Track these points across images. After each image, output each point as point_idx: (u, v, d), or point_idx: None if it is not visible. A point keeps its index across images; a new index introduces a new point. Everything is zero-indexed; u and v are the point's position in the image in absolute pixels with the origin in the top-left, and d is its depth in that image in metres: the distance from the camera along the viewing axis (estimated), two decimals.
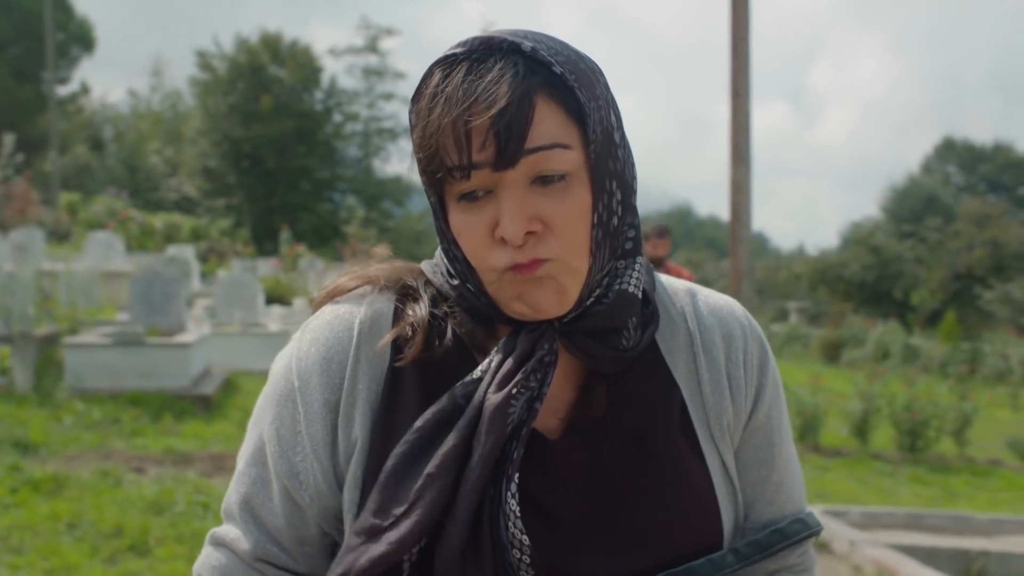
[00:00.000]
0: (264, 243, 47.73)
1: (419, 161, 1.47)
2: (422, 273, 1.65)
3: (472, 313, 1.56)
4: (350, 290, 1.63)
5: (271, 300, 24.02)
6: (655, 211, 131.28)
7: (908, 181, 76.58)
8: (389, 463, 1.45)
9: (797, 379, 19.89)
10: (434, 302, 1.59)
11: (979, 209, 38.60)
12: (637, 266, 1.57)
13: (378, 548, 1.42)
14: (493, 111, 1.38)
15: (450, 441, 1.44)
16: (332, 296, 1.64)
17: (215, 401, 14.99)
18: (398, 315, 1.57)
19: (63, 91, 60.23)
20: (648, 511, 1.51)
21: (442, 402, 1.49)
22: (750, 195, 16.31)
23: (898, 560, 8.50)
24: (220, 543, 1.63)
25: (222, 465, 11.64)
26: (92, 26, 63.24)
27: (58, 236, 33.10)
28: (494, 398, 1.45)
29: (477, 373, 1.51)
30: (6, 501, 9.65)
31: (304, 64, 57.03)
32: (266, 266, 32.36)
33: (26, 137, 51.89)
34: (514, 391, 1.46)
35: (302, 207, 57.31)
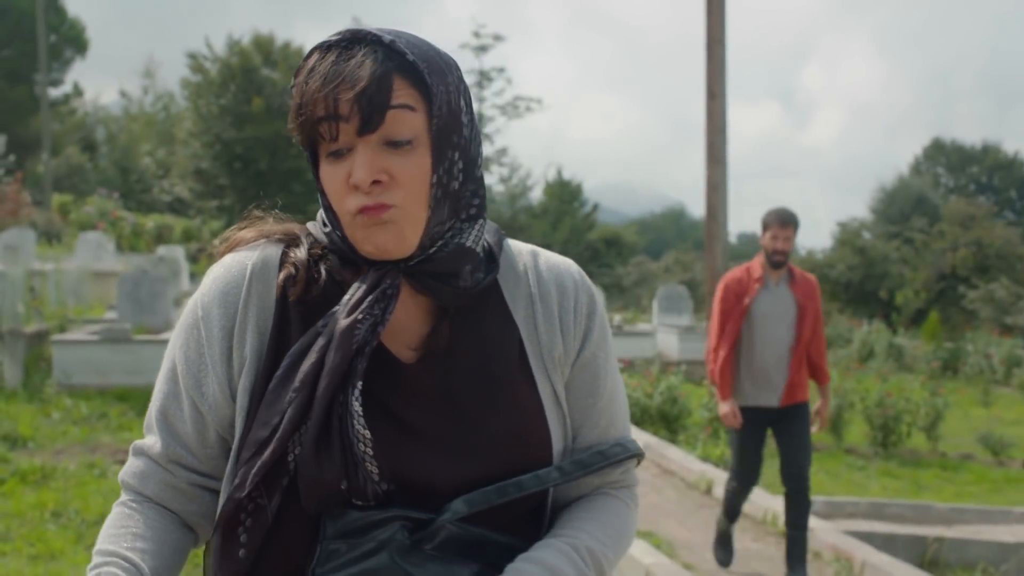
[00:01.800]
0: None
1: (298, 125, 1.78)
2: (307, 229, 1.96)
3: (340, 256, 1.88)
4: (248, 241, 1.96)
5: None
6: (648, 212, 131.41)
7: (897, 182, 76.79)
8: (270, 385, 1.78)
9: None
10: (312, 248, 1.91)
11: (963, 210, 38.88)
12: (478, 226, 1.89)
13: (263, 457, 1.73)
14: (356, 88, 1.70)
15: (309, 359, 1.77)
16: (232, 247, 1.97)
17: None
18: (284, 259, 1.90)
19: (56, 93, 60.40)
20: (485, 428, 1.81)
21: (309, 332, 1.82)
22: (726, 195, 16.65)
23: (855, 546, 8.80)
24: (139, 452, 1.94)
25: None
26: (84, 28, 63.42)
27: (50, 237, 33.29)
28: (344, 322, 1.77)
29: (339, 306, 1.83)
30: None
31: (296, 66, 57.14)
32: None
33: (18, 139, 52.09)
34: (359, 316, 1.77)
35: (294, 209, 55.59)
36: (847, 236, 41.02)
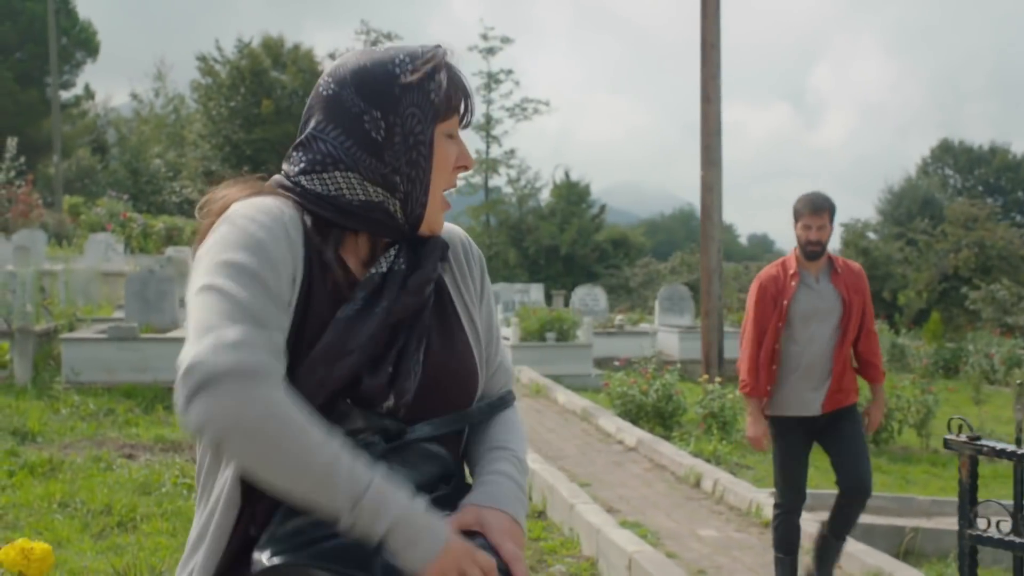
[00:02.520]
0: None
1: (441, 102, 2.12)
2: (293, 191, 2.17)
3: (372, 223, 2.14)
4: (253, 195, 2.15)
5: None
6: (658, 213, 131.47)
7: (905, 183, 76.97)
8: (344, 312, 2.03)
9: None
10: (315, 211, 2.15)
11: (966, 211, 39.10)
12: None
13: (344, 365, 2.00)
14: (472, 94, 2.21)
15: (386, 299, 2.07)
16: (228, 204, 2.12)
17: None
18: (300, 215, 2.12)
19: (67, 95, 60.79)
20: (445, 365, 2.19)
21: (373, 279, 2.09)
22: (721, 196, 16.98)
23: None
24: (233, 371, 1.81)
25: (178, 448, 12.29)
26: (95, 31, 63.86)
27: (60, 238, 33.68)
28: (416, 277, 2.13)
29: (383, 266, 2.11)
30: (3, 483, 10.29)
31: (305, 68, 57.51)
32: None
33: (30, 141, 52.49)
34: (418, 273, 2.14)
35: None
36: (851, 237, 41.27)
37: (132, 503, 9.67)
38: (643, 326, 28.51)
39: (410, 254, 2.14)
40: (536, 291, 29.86)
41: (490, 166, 60.94)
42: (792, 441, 7.03)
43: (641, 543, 8.78)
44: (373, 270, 2.09)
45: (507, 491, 2.12)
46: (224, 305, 1.87)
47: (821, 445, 7.10)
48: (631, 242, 60.96)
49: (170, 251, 29.52)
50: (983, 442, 3.97)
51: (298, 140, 2.16)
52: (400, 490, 1.87)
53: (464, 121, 2.17)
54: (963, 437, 4.04)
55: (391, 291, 2.06)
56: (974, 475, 3.97)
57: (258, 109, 55.15)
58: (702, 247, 17.91)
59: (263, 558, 1.87)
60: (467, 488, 2.14)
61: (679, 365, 17.82)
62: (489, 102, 60.56)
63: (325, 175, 2.08)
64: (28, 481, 10.38)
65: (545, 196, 62.43)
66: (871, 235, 54.53)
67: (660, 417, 15.44)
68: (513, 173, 61.82)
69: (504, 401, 2.32)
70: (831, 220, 6.90)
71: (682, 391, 16.18)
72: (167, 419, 13.93)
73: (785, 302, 6.87)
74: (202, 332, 1.83)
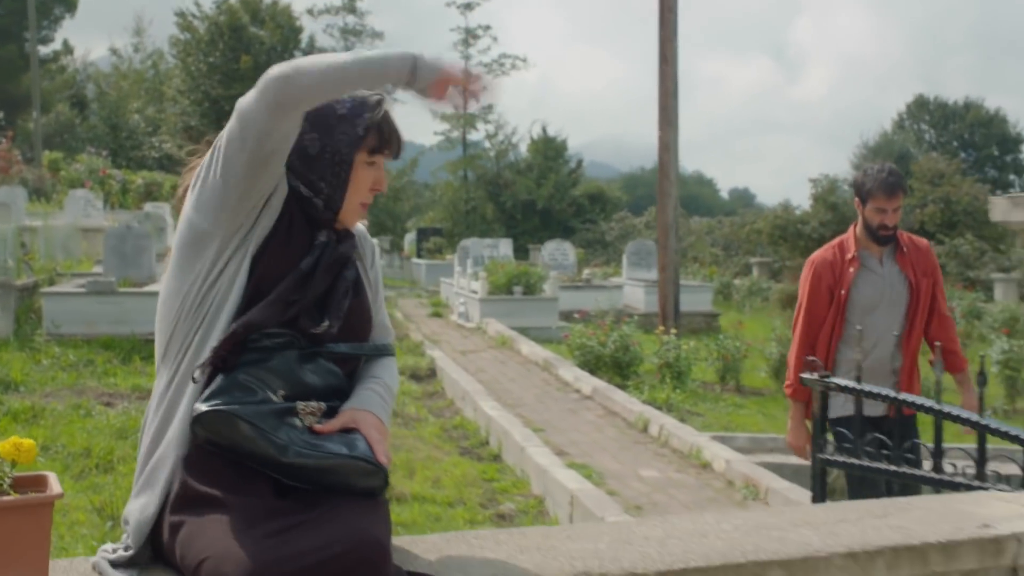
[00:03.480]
0: None
1: (370, 140, 2.84)
2: None
3: (310, 213, 2.88)
4: None
5: None
6: (639, 167, 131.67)
7: (881, 138, 77.67)
8: (305, 264, 2.78)
9: (752, 331, 21.12)
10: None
11: (933, 167, 39.73)
12: None
13: (302, 297, 2.76)
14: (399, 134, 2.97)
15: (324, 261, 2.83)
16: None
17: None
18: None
19: (45, 50, 61.03)
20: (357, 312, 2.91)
21: (315, 251, 2.82)
22: (677, 155, 17.64)
23: (763, 475, 9.80)
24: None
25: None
26: None
27: (40, 194, 34.10)
28: (343, 249, 2.90)
29: (322, 238, 2.85)
30: None
31: (283, 24, 57.73)
32: None
33: (9, 96, 52.82)
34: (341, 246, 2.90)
35: None
36: (821, 192, 41.84)
37: (110, 447, 10.30)
38: (611, 280, 29.17)
39: (337, 236, 2.92)
40: (505, 246, 30.43)
41: (468, 121, 61.23)
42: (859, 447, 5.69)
43: (583, 482, 9.47)
44: (323, 238, 2.85)
45: (374, 400, 2.80)
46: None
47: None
48: (608, 197, 61.43)
49: (148, 207, 30.07)
50: (832, 380, 4.63)
51: None
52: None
53: (391, 153, 2.90)
54: (815, 375, 4.69)
55: (328, 255, 2.83)
56: (824, 408, 4.64)
57: (237, 65, 55.38)
58: (659, 204, 18.56)
59: (201, 407, 2.54)
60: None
61: (635, 318, 18.44)
62: (467, 58, 60.76)
63: None
64: (11, 427, 10.99)
65: (523, 151, 62.89)
66: (846, 188, 55.16)
67: (618, 367, 16.10)
68: (491, 128, 62.18)
69: (386, 348, 3.01)
70: (903, 199, 6.06)
71: (639, 342, 16.83)
72: (144, 369, 14.56)
73: (843, 292, 6.00)
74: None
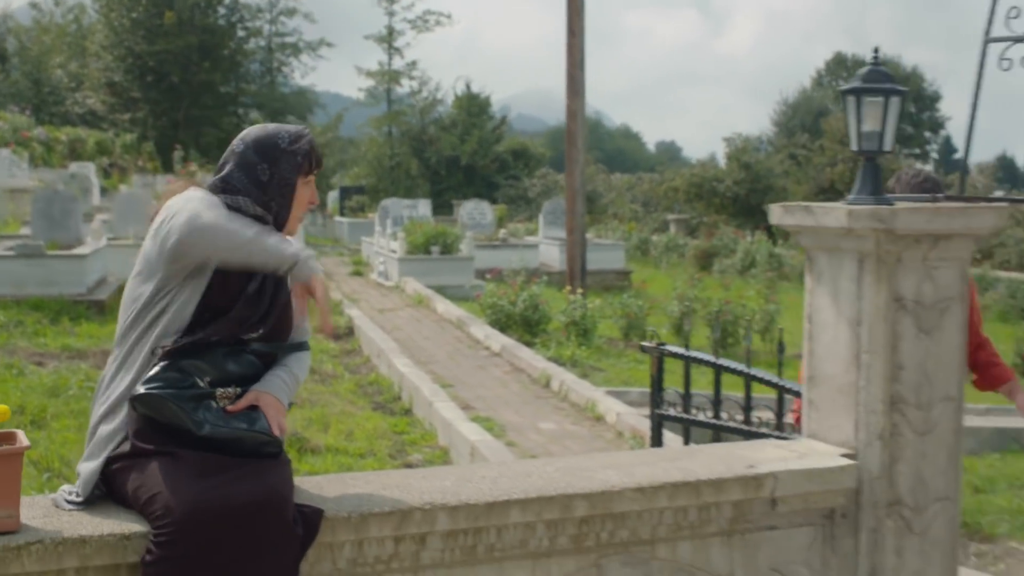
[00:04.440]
0: (168, 156, 48.90)
1: (307, 165, 3.58)
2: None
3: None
4: (183, 189, 3.62)
5: None
6: (564, 122, 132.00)
7: (800, 95, 78.89)
8: (250, 288, 3.47)
9: (664, 287, 22.03)
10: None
11: (842, 128, 40.87)
12: None
13: (248, 317, 3.46)
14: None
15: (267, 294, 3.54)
16: (175, 191, 3.61)
17: (109, 305, 16.88)
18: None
19: None
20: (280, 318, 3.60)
21: (258, 275, 3.47)
22: (584, 123, 18.50)
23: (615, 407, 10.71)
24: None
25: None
26: None
27: None
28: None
29: None
30: None
31: None
32: (164, 183, 33.78)
33: None
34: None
35: (207, 121, 58.37)
36: (734, 152, 42.91)
37: (43, 404, 10.99)
38: (528, 239, 30.04)
39: None
40: (424, 206, 31.20)
41: (392, 78, 61.61)
42: None
43: (484, 434, 10.32)
44: None
45: (276, 383, 3.54)
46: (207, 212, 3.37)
47: None
48: (531, 153, 62.11)
49: (73, 167, 30.46)
50: (665, 347, 5.50)
51: (221, 175, 3.57)
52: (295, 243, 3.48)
53: (318, 172, 3.64)
54: (654, 343, 5.56)
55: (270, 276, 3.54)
56: (660, 371, 5.52)
57: (160, 20, 55.37)
58: (567, 170, 19.43)
59: (140, 389, 3.30)
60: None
61: (545, 279, 19.31)
62: (391, 14, 61.13)
63: (233, 196, 3.53)
64: None
65: (448, 107, 63.43)
66: (768, 148, 56.39)
67: (527, 325, 16.96)
68: (415, 85, 62.65)
69: (301, 346, 3.71)
70: None
71: (549, 301, 17.71)
72: (72, 330, 15.22)
73: None
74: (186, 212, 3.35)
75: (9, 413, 3.14)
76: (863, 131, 4.14)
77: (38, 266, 16.77)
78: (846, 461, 4.04)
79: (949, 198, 4.25)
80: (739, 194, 40.60)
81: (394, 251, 24.64)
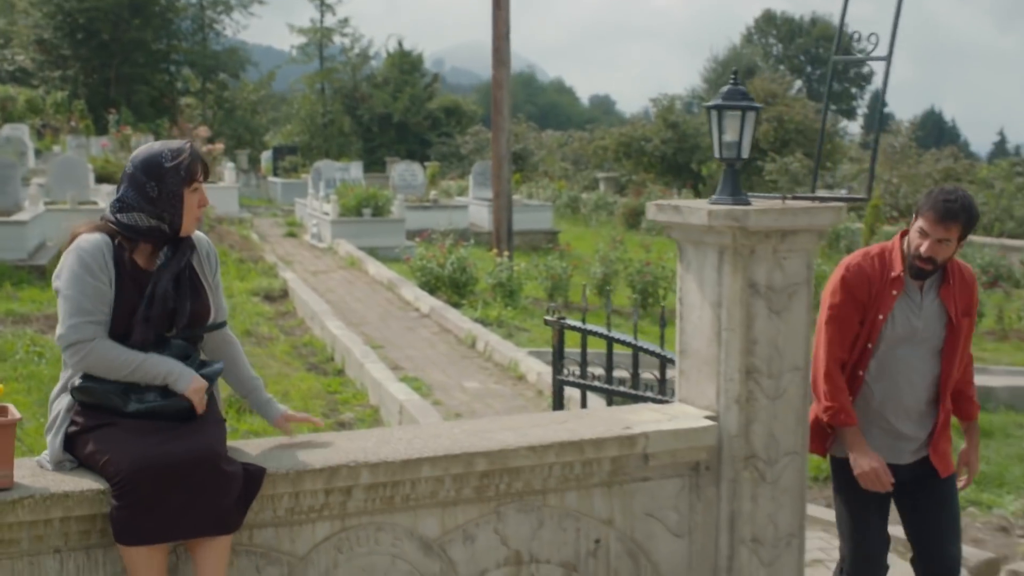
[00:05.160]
0: (100, 114, 48.79)
1: (189, 174, 4.10)
2: (111, 224, 4.14)
3: (153, 237, 4.12)
4: (88, 231, 4.12)
5: (101, 179, 25.90)
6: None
7: (730, 52, 79.87)
8: (152, 299, 4.05)
9: (591, 246, 22.71)
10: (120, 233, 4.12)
11: (766, 87, 41.81)
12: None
13: (155, 317, 4.05)
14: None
15: (164, 281, 4.08)
16: (79, 234, 4.11)
17: (50, 271, 17.37)
18: (110, 239, 4.08)
19: None
20: (195, 305, 4.19)
21: (160, 271, 4.08)
22: (509, 92, 19.14)
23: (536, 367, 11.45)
24: (76, 343, 3.92)
25: (54, 324, 14.14)
26: None
27: None
28: (174, 263, 4.14)
29: (162, 259, 4.11)
30: None
31: None
32: (98, 145, 33.98)
33: None
34: (180, 259, 4.14)
35: (138, 79, 58.15)
36: (661, 111, 43.68)
37: None
38: (458, 199, 30.67)
39: (173, 249, 4.18)
40: (356, 169, 31.72)
41: (324, 35, 61.70)
42: (865, 497, 5.06)
43: (412, 393, 11.01)
44: (159, 262, 4.14)
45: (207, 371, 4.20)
46: (70, 304, 3.93)
47: (898, 508, 5.25)
48: (463, 110, 62.55)
49: (7, 129, 30.59)
50: (565, 321, 6.22)
51: (117, 195, 4.15)
52: (170, 362, 3.99)
53: (204, 178, 4.18)
54: (555, 317, 6.28)
55: (167, 274, 4.10)
56: (561, 342, 6.24)
57: None
58: (493, 137, 20.09)
59: (76, 382, 3.95)
60: (200, 363, 4.21)
61: (472, 241, 20.01)
62: None
63: (128, 213, 4.11)
64: None
65: (380, 64, 63.67)
66: (698, 107, 57.14)
67: (455, 287, 17.64)
68: (347, 41, 62.79)
69: (223, 324, 4.33)
70: (965, 234, 4.90)
71: (476, 263, 18.40)
72: (15, 295, 15.72)
73: (881, 317, 4.97)
74: (63, 318, 3.94)
75: (2, 388, 3.79)
76: (724, 141, 4.83)
77: None
78: (709, 422, 4.77)
79: (796, 198, 4.94)
80: (667, 153, 41.43)
81: (327, 213, 25.19)
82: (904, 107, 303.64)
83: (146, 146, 4.23)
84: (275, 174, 42.65)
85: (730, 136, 4.83)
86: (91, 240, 4.03)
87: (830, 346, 4.94)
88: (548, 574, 4.55)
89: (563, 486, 4.55)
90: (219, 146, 35.02)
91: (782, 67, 78.67)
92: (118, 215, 4.11)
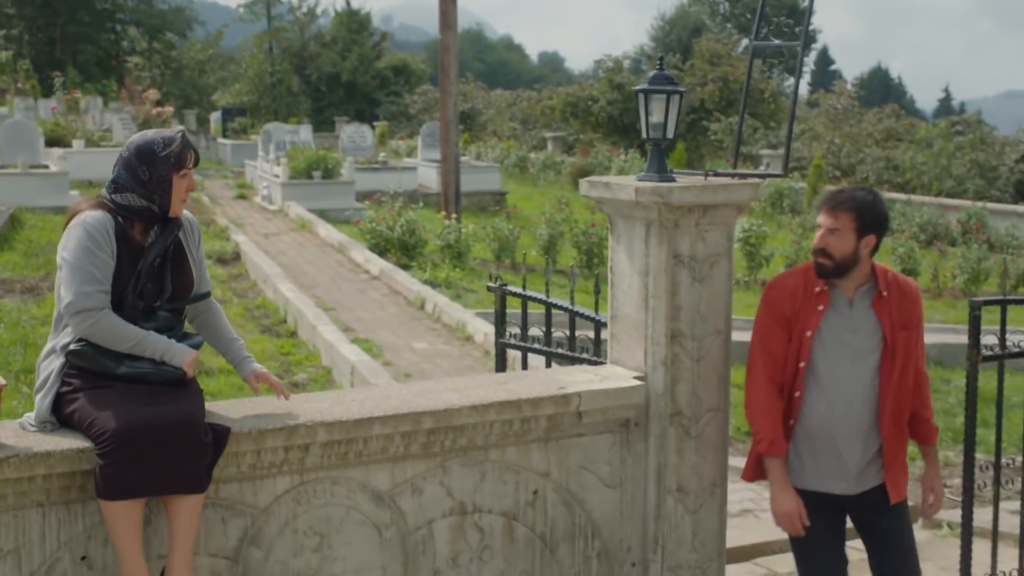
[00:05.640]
0: (46, 75, 48.55)
1: (180, 162, 4.40)
2: (109, 201, 4.48)
3: (145, 216, 4.45)
4: (88, 208, 4.44)
5: (51, 142, 26.00)
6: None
7: (677, 10, 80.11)
8: (141, 265, 4.37)
9: (538, 206, 23.09)
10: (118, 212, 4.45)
11: (712, 48, 42.27)
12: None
13: (145, 291, 4.39)
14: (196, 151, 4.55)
15: (150, 257, 4.40)
16: (79, 211, 4.45)
17: (2, 235, 17.59)
18: (112, 218, 4.40)
19: None
20: (178, 280, 4.53)
21: (155, 247, 4.43)
22: (456, 55, 19.49)
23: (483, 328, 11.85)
24: (86, 309, 4.20)
25: (10, 288, 14.39)
26: None
27: None
28: (162, 238, 4.46)
29: (152, 237, 4.45)
30: None
31: None
32: (47, 108, 33.96)
33: None
34: (167, 236, 4.46)
35: (84, 38, 57.89)
36: (607, 73, 44.03)
37: None
38: (407, 160, 30.93)
39: (162, 228, 4.51)
40: (305, 132, 31.88)
41: None
42: (821, 526, 4.93)
43: (363, 355, 11.40)
44: (151, 239, 4.48)
45: (196, 339, 4.56)
46: (80, 273, 4.21)
47: (857, 529, 5.11)
48: (412, 69, 62.69)
49: None
50: (506, 287, 6.62)
51: (113, 176, 4.47)
52: (166, 340, 4.34)
53: (193, 165, 4.50)
54: (497, 284, 6.67)
55: (156, 250, 4.44)
56: (503, 307, 6.63)
57: None
58: (440, 101, 20.42)
59: (73, 346, 4.30)
60: (184, 334, 4.56)
61: (421, 205, 20.33)
62: None
63: (122, 194, 4.45)
64: None
65: (328, 23, 63.64)
66: (644, 66, 57.44)
67: (405, 249, 18.02)
68: (294, 0, 62.71)
69: (207, 295, 4.69)
70: (860, 226, 4.76)
71: (425, 225, 18.76)
72: None
73: (808, 334, 4.85)
74: (72, 286, 4.19)
75: None
76: (651, 122, 5.21)
77: None
78: (637, 382, 5.17)
79: (717, 174, 5.34)
80: (613, 114, 41.82)
81: (277, 176, 25.43)
82: (851, 64, 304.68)
83: (141, 133, 4.57)
84: (224, 136, 42.70)
85: (656, 118, 5.20)
86: (96, 216, 4.35)
87: (754, 367, 4.89)
88: (490, 523, 4.95)
89: (503, 442, 4.95)
90: (168, 109, 35.15)
91: (729, 25, 79.04)
92: (113, 195, 4.43)
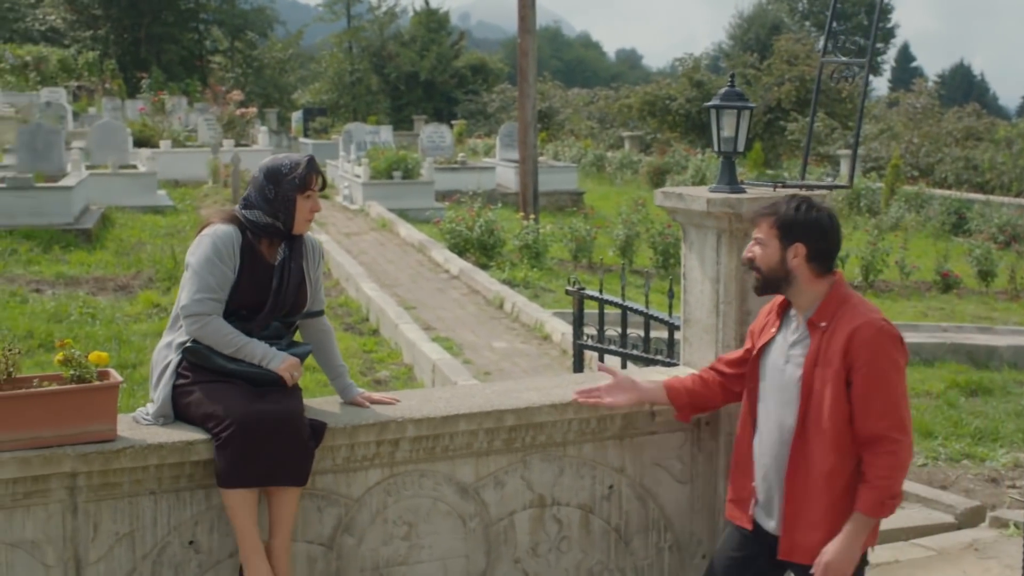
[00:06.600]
0: (131, 74, 49.47)
1: (303, 185, 4.75)
2: (239, 214, 4.84)
3: (269, 232, 4.79)
4: (219, 221, 4.80)
5: (139, 143, 26.62)
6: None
7: (755, 8, 79.82)
8: (273, 284, 4.74)
9: (615, 206, 23.28)
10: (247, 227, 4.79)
11: (790, 48, 42.14)
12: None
13: (273, 304, 4.76)
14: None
15: (280, 272, 4.80)
16: (209, 224, 4.81)
17: (95, 234, 18.21)
18: (240, 232, 4.76)
19: None
20: (295, 296, 4.88)
21: (276, 272, 4.77)
22: (536, 60, 19.80)
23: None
24: (198, 314, 4.57)
25: (104, 286, 14.90)
26: None
27: None
28: (296, 262, 4.83)
29: (281, 255, 4.81)
30: None
31: None
32: (134, 109, 34.66)
33: None
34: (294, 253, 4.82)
35: (168, 38, 58.87)
36: (686, 71, 44.12)
37: (48, 329, 12.30)
38: (485, 160, 31.28)
39: (289, 247, 4.83)
40: (386, 132, 32.35)
41: None
42: (731, 559, 4.63)
43: (444, 353, 11.72)
44: (279, 257, 4.82)
45: (300, 349, 4.85)
46: (199, 280, 4.57)
47: None
48: (490, 68, 63.08)
49: (45, 93, 31.33)
50: (584, 290, 6.91)
51: (244, 194, 4.82)
52: (265, 346, 4.66)
53: (319, 188, 4.80)
54: (575, 287, 6.96)
55: (285, 270, 4.79)
56: (581, 309, 6.92)
57: None
58: (519, 103, 20.74)
59: (189, 344, 4.65)
60: (292, 343, 4.88)
61: (500, 205, 20.63)
62: None
63: (251, 210, 4.79)
64: None
65: (407, 22, 64.21)
66: (723, 64, 57.38)
67: (483, 248, 18.34)
68: (374, 0, 63.35)
69: (320, 313, 5.01)
70: (782, 234, 4.39)
71: (503, 225, 19.08)
72: (64, 258, 16.50)
73: (755, 354, 4.64)
74: (191, 290, 4.56)
75: (108, 358, 4.51)
76: (722, 136, 5.47)
77: (27, 197, 17.99)
78: None
79: (785, 186, 5.59)
80: (691, 112, 41.89)
81: (358, 176, 25.88)
82: (932, 60, 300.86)
83: (271, 157, 4.93)
84: (305, 135, 43.27)
85: (727, 132, 5.46)
86: (225, 230, 4.70)
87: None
88: (568, 515, 5.25)
89: (581, 439, 5.23)
90: (252, 110, 35.66)
91: (807, 23, 78.70)
92: (243, 211, 4.79)
